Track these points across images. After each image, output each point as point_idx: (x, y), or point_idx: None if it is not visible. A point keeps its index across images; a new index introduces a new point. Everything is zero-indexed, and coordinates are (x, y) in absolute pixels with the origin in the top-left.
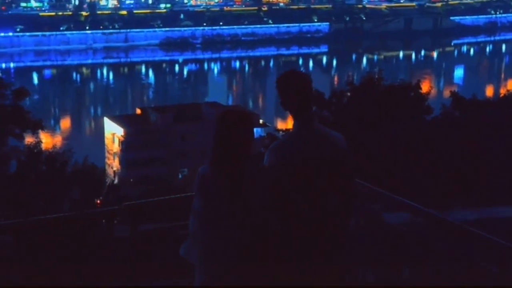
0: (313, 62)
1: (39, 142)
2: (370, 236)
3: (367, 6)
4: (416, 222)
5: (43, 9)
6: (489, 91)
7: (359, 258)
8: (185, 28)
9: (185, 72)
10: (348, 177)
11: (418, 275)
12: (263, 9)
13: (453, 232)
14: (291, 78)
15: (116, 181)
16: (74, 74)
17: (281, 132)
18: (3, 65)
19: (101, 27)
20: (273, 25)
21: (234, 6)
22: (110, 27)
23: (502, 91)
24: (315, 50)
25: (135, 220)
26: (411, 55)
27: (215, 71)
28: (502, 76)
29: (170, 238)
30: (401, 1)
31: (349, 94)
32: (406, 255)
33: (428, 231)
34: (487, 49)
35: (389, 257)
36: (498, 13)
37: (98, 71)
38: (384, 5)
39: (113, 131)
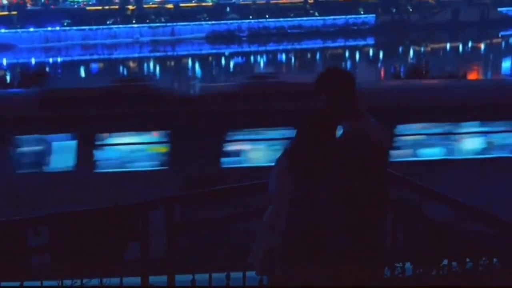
0: (360, 55)
1: None
2: (409, 229)
3: None
4: (456, 216)
5: (89, 3)
6: None
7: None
8: (231, 21)
9: (231, 65)
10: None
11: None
12: (309, 1)
13: (493, 227)
14: (337, 77)
15: None
16: (121, 68)
17: None
18: (51, 60)
19: (147, 20)
20: (319, 18)
21: None
22: (157, 20)
23: None
24: (362, 42)
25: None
26: (458, 46)
27: (261, 64)
28: None
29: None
30: None
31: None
32: (446, 249)
33: (468, 226)
34: None
35: (429, 251)
36: None
37: (145, 65)
38: None
39: None
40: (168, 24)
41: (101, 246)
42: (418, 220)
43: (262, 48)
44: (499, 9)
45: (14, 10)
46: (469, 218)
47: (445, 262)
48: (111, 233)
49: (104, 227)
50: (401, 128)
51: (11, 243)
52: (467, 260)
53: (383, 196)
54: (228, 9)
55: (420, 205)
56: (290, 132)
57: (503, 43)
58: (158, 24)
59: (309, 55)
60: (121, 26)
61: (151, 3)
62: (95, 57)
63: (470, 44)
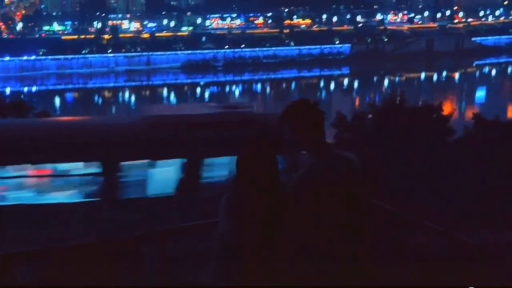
0: (335, 84)
1: None
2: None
3: (388, 27)
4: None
5: (65, 32)
6: (511, 113)
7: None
8: (207, 51)
9: (206, 95)
10: (366, 192)
11: None
12: (285, 31)
13: (473, 253)
14: (302, 109)
15: None
16: (96, 97)
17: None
18: (26, 89)
19: (123, 50)
20: (294, 47)
21: (256, 28)
22: (132, 50)
23: None
24: (337, 72)
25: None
26: (432, 76)
27: (237, 93)
28: None
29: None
30: (422, 23)
31: (370, 116)
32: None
33: (449, 252)
34: (509, 70)
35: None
36: None
37: (120, 94)
38: (405, 27)
39: None
40: (144, 53)
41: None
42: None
43: (237, 78)
44: (473, 38)
45: None
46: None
47: None
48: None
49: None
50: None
51: None
52: None
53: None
54: (203, 38)
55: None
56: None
57: (478, 73)
58: (133, 54)
59: (284, 85)
60: (96, 55)
61: (127, 32)
62: (70, 86)
63: (444, 74)
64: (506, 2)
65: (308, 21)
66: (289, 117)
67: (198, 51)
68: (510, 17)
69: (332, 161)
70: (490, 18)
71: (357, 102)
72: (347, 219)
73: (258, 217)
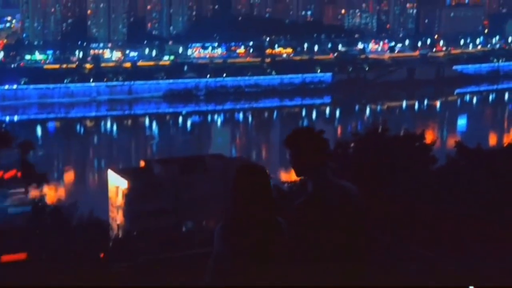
0: (316, 113)
1: (44, 196)
2: None
3: (370, 56)
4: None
5: (47, 61)
6: (493, 140)
7: None
8: (189, 80)
9: (188, 124)
10: (361, 219)
11: None
12: (266, 60)
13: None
14: (305, 137)
15: (120, 234)
16: (78, 127)
17: (286, 184)
18: (7, 118)
19: (105, 79)
20: (276, 76)
21: (238, 58)
22: (114, 79)
23: (506, 140)
24: (318, 101)
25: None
26: (414, 104)
27: (219, 123)
28: (505, 124)
29: None
30: (403, 51)
31: (353, 145)
32: None
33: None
34: (490, 98)
35: None
36: (500, 61)
37: (102, 124)
38: (386, 55)
39: (117, 184)
40: (126, 82)
41: None
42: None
43: (219, 107)
44: (454, 67)
45: None
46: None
47: None
48: None
49: None
50: None
51: None
52: None
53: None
54: (185, 67)
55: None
56: None
57: (459, 101)
58: (115, 83)
59: (266, 114)
60: (78, 84)
61: (108, 62)
62: (52, 115)
63: (426, 102)
64: (486, 31)
65: (289, 50)
66: (290, 143)
67: (180, 80)
68: (489, 46)
69: (329, 190)
70: (471, 46)
71: (339, 131)
72: (343, 247)
73: (251, 250)
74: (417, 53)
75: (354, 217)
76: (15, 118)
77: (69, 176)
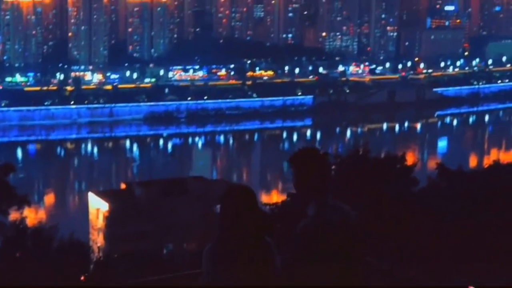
0: (297, 135)
1: (24, 218)
2: None
3: (350, 78)
4: None
5: (28, 84)
6: (473, 162)
7: None
8: (170, 102)
9: (169, 147)
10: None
11: None
12: (248, 83)
13: None
14: (310, 157)
15: (101, 257)
16: (59, 149)
17: (267, 206)
18: None
19: (86, 101)
20: (257, 99)
21: (219, 80)
22: (95, 101)
23: (487, 162)
24: (299, 123)
25: None
26: (394, 127)
27: (200, 145)
28: (486, 146)
29: None
30: (384, 74)
31: (334, 167)
32: None
33: None
34: (470, 120)
35: None
36: (480, 83)
37: (83, 146)
38: (367, 78)
39: (98, 206)
40: (107, 105)
41: None
42: None
43: (200, 129)
44: (434, 89)
45: None
46: None
47: None
48: None
49: None
50: None
51: None
52: None
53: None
54: (166, 90)
55: None
56: None
57: (439, 123)
58: (96, 105)
59: (247, 136)
60: (59, 107)
61: (89, 84)
62: (32, 138)
63: (406, 124)
64: (466, 53)
65: (270, 72)
66: (295, 161)
67: (160, 103)
68: (469, 68)
69: (330, 214)
70: (451, 69)
71: None
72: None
73: (240, 270)
74: (397, 75)
75: (354, 242)
76: None
77: (49, 198)
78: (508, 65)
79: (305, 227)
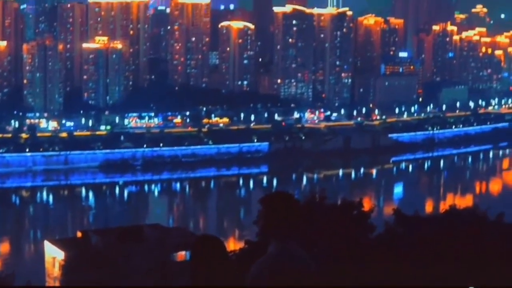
0: (254, 182)
1: None
2: None
3: (306, 125)
4: None
5: None
6: (429, 207)
7: None
8: (125, 150)
9: (125, 194)
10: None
11: None
12: (203, 130)
13: None
14: (282, 200)
15: None
16: (14, 197)
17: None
18: None
19: (41, 149)
20: (213, 146)
21: (175, 127)
22: (50, 149)
23: (443, 207)
24: (255, 170)
25: None
26: (350, 173)
27: (156, 193)
28: (441, 191)
29: None
30: (340, 120)
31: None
32: None
33: None
34: (426, 165)
35: None
36: (435, 129)
37: (38, 194)
38: (322, 124)
39: (54, 255)
40: (62, 152)
41: None
42: None
43: (156, 177)
44: (389, 135)
45: None
46: None
47: None
48: None
49: None
50: None
51: None
52: None
53: None
54: (122, 137)
55: None
56: None
57: (395, 169)
58: (51, 153)
59: (203, 183)
60: (14, 154)
61: (45, 131)
62: None
63: (362, 170)
64: (420, 99)
65: (226, 119)
66: (266, 202)
67: (116, 150)
68: (424, 114)
69: (289, 258)
70: (406, 114)
71: None
72: None
73: None
74: (352, 122)
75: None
76: None
77: (5, 247)
78: (462, 111)
79: (260, 270)
